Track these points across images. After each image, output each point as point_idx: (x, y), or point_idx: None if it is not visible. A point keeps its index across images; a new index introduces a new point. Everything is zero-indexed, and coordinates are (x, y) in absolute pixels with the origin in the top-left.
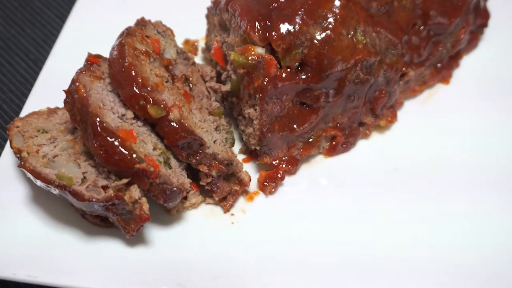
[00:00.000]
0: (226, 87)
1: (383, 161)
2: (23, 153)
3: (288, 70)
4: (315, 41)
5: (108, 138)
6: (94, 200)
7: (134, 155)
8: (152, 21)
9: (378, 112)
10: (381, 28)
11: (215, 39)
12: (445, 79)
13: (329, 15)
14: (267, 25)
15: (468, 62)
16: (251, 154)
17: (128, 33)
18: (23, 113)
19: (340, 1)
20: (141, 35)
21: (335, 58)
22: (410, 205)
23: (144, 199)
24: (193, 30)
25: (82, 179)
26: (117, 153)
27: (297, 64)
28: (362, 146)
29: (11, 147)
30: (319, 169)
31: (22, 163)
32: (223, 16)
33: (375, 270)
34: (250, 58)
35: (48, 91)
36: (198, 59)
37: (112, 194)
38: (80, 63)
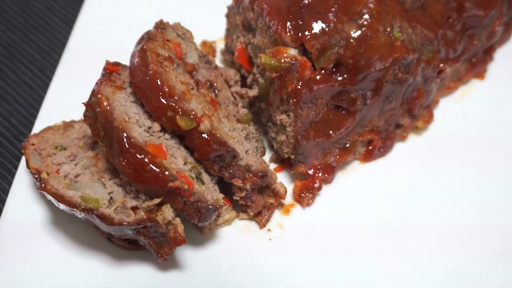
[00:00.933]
0: (254, 92)
1: (423, 164)
2: (42, 173)
3: (323, 72)
4: (351, 39)
5: (137, 155)
6: (125, 223)
7: (166, 172)
8: (170, 23)
9: (416, 112)
10: (417, 23)
11: (238, 40)
12: (480, 74)
13: (364, 11)
14: (298, 24)
15: (501, 55)
16: (283, 162)
17: (149, 37)
18: (36, 128)
19: None
20: (162, 39)
21: (372, 57)
22: (458, 208)
23: (178, 220)
24: (209, 31)
25: (108, 200)
26: (148, 171)
27: (332, 65)
28: (399, 149)
29: (29, 167)
30: (356, 176)
31: (43, 185)
32: (248, 15)
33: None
34: (282, 60)
35: (61, 103)
36: (217, 62)
37: (144, 216)
38: (93, 70)
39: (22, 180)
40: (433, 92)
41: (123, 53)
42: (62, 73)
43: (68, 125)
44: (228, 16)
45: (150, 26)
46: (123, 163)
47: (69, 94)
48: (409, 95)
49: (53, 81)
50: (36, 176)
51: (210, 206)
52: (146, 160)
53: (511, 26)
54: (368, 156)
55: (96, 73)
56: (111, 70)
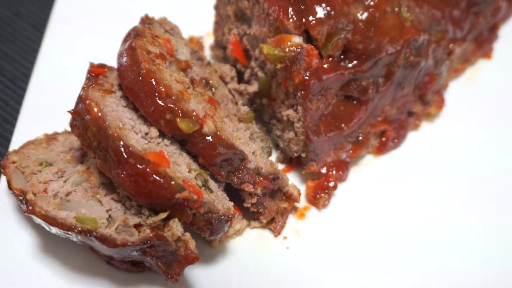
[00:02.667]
0: (253, 88)
1: (439, 153)
2: (28, 194)
3: (330, 59)
4: (359, 23)
5: (138, 166)
6: (129, 244)
7: (172, 182)
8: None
9: (428, 98)
10: (424, 2)
11: (231, 33)
12: (487, 54)
13: None
14: (301, 9)
15: (505, 32)
16: (291, 162)
17: (136, 34)
18: (14, 144)
19: None
20: (151, 35)
21: (382, 40)
22: (480, 202)
23: (188, 235)
24: (194, 26)
25: (107, 218)
26: (151, 183)
27: (339, 52)
28: (412, 139)
29: (11, 188)
30: (370, 171)
31: (30, 207)
32: (241, 4)
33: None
34: (287, 49)
35: (39, 114)
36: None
37: (150, 234)
38: (72, 76)
39: (3, 203)
40: (444, 75)
41: (104, 54)
42: (37, 81)
43: (51, 138)
44: (217, 7)
45: (129, 24)
46: (122, 175)
47: (47, 104)
48: (421, 79)
49: (28, 91)
50: (21, 197)
51: (222, 217)
52: (148, 170)
53: None
54: (382, 149)
55: (76, 79)
56: (96, 72)
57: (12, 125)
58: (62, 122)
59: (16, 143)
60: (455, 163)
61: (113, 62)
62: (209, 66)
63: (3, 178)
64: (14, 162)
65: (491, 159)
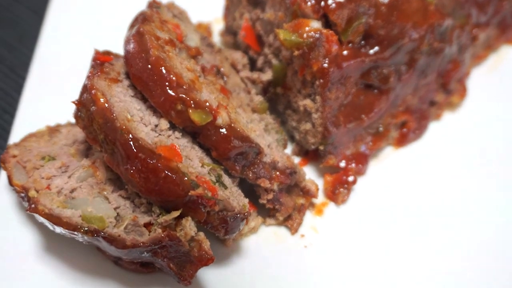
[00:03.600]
0: (267, 76)
1: (462, 144)
2: (30, 191)
3: (350, 45)
4: (381, 6)
5: (148, 160)
6: (140, 245)
7: (185, 178)
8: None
9: (451, 86)
10: None
11: (242, 18)
12: (510, 39)
13: None
14: None
15: None
16: (307, 155)
17: (144, 18)
18: (14, 137)
19: None
20: (159, 20)
21: (405, 25)
22: (506, 193)
23: (202, 235)
24: (202, 11)
25: (115, 217)
26: (163, 179)
27: (360, 37)
28: (434, 129)
29: (12, 184)
30: (391, 164)
31: (33, 206)
32: None
33: None
34: (305, 35)
35: (40, 105)
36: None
37: (161, 234)
38: (75, 64)
39: (3, 200)
40: (467, 62)
41: (109, 40)
42: (37, 69)
43: (53, 130)
44: None
45: (135, 7)
46: (131, 171)
47: (48, 93)
48: (444, 67)
49: (28, 79)
50: (23, 194)
51: (238, 215)
52: (160, 165)
53: None
54: (403, 140)
55: (79, 67)
56: (102, 60)
57: (12, 115)
58: (65, 113)
59: (16, 135)
60: (479, 154)
61: (119, 49)
62: (220, 53)
63: (3, 173)
64: (14, 156)
65: None
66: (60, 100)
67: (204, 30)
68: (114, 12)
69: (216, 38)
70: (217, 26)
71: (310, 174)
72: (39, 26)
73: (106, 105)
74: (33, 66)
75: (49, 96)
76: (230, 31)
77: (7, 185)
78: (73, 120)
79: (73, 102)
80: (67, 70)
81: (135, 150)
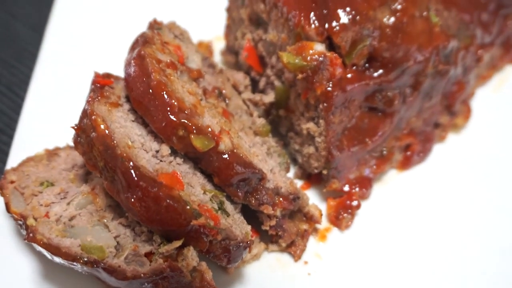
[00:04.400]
0: (270, 98)
1: (467, 166)
2: (28, 219)
3: (354, 68)
4: (386, 28)
5: (150, 189)
6: (141, 276)
7: (187, 207)
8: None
9: (456, 108)
10: (452, 5)
11: (244, 38)
12: None
13: None
14: (323, 14)
15: None
16: (309, 178)
17: (145, 41)
18: (11, 160)
19: None
20: (160, 42)
21: (410, 47)
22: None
23: (204, 265)
24: (202, 29)
25: (115, 246)
26: (165, 208)
27: (364, 60)
28: (438, 152)
29: (10, 212)
30: (395, 187)
31: (31, 235)
32: (257, 7)
33: None
34: (309, 58)
35: (38, 127)
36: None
37: (163, 265)
38: (74, 84)
39: (0, 227)
40: (472, 83)
41: (108, 60)
42: (36, 89)
43: (52, 154)
44: (229, 10)
45: (134, 27)
46: (132, 200)
47: (47, 115)
48: (449, 89)
49: (27, 99)
50: (21, 222)
51: (241, 244)
52: (161, 194)
53: None
54: (407, 163)
55: (78, 87)
56: (102, 83)
57: (10, 136)
58: (63, 135)
59: (14, 159)
60: (484, 176)
61: (118, 69)
62: (221, 74)
63: (0, 199)
64: (12, 182)
65: None
66: (58, 122)
67: (205, 48)
68: (114, 31)
69: (217, 57)
70: (218, 44)
71: (312, 197)
72: (37, 44)
73: (107, 131)
74: (31, 86)
75: (47, 117)
76: (231, 50)
77: (5, 211)
78: (71, 143)
79: (73, 128)
80: (66, 91)
81: (136, 178)
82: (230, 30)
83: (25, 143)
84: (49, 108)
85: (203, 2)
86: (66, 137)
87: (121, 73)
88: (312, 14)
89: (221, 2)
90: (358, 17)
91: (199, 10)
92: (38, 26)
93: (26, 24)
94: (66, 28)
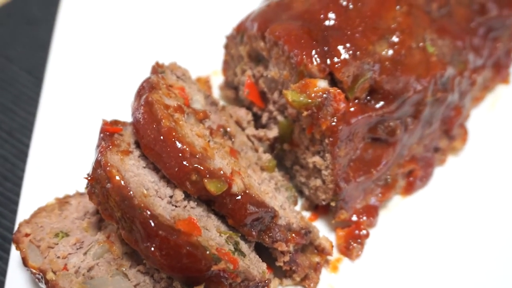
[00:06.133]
0: (273, 133)
1: (468, 187)
2: (48, 274)
3: (357, 101)
4: (386, 62)
5: (169, 237)
6: None
7: (207, 252)
8: (160, 62)
9: (454, 132)
10: (446, 33)
11: (244, 74)
12: (505, 79)
13: (393, 26)
14: (324, 51)
15: None
16: (316, 209)
17: (151, 86)
18: (22, 211)
19: (402, 7)
20: (165, 86)
21: (410, 78)
22: None
23: None
24: (198, 64)
25: None
26: (185, 255)
27: (365, 93)
28: (439, 175)
29: (28, 266)
30: (400, 213)
31: None
32: (256, 45)
33: None
34: (313, 95)
35: (46, 173)
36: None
37: None
38: (78, 128)
39: (16, 279)
40: (467, 106)
41: (109, 103)
42: (40, 136)
43: (63, 203)
44: (227, 47)
45: (133, 68)
46: (152, 249)
47: (54, 160)
48: (447, 114)
49: (31, 148)
50: (39, 276)
51: (259, 283)
52: (181, 241)
53: None
54: (410, 189)
55: (82, 133)
56: (111, 131)
57: (13, 182)
58: (71, 181)
59: (24, 209)
60: (485, 195)
61: (120, 111)
62: (224, 111)
63: (14, 251)
64: (27, 235)
65: None
66: (65, 168)
67: (203, 84)
68: (112, 72)
69: (216, 91)
70: (216, 79)
71: (321, 228)
72: (34, 87)
73: (123, 182)
74: (34, 133)
75: (53, 163)
76: (230, 85)
77: (20, 264)
78: (80, 190)
79: (86, 178)
80: (70, 136)
81: (155, 228)
82: (229, 66)
83: (34, 192)
84: (54, 154)
85: (199, 38)
86: (74, 184)
87: (124, 116)
88: (313, 51)
89: (217, 36)
90: (358, 52)
91: (195, 46)
92: (35, 69)
93: (22, 68)
94: (65, 71)
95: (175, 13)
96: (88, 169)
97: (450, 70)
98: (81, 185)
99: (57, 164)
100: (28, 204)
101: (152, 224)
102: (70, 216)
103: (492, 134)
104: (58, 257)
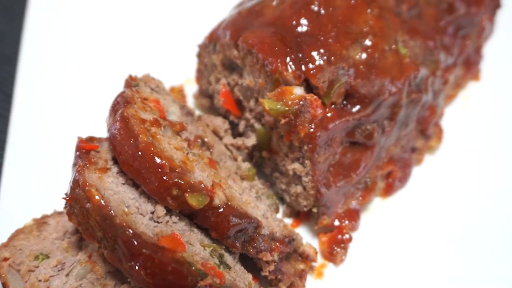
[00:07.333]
0: (251, 141)
1: (446, 185)
2: None
3: (333, 107)
4: (360, 65)
5: (153, 255)
6: None
7: (193, 268)
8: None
9: (430, 131)
10: (416, 34)
11: (219, 83)
12: (475, 76)
13: (365, 30)
14: (298, 57)
15: (488, 51)
16: (298, 216)
17: (126, 101)
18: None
19: (373, 10)
20: (140, 100)
21: (384, 81)
22: (492, 228)
23: None
24: (170, 73)
25: None
26: (170, 273)
27: (341, 98)
28: (417, 175)
29: None
30: (381, 215)
31: None
32: (229, 53)
33: None
34: (290, 103)
35: (20, 192)
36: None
37: None
38: (50, 145)
39: None
40: (441, 105)
41: (84, 117)
42: (13, 154)
43: (41, 223)
44: (200, 56)
45: (105, 75)
46: (136, 268)
47: (28, 179)
48: (422, 114)
49: (5, 165)
50: None
51: None
52: (165, 259)
53: (492, 19)
54: (389, 190)
55: (55, 150)
56: (87, 149)
57: None
58: (47, 200)
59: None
60: (463, 192)
61: (96, 126)
62: (200, 121)
63: None
64: (6, 259)
65: (499, 183)
66: (40, 187)
67: (177, 93)
68: (87, 87)
69: (190, 100)
70: (190, 87)
71: (304, 234)
72: (4, 104)
73: (102, 201)
74: (7, 153)
75: (28, 183)
76: (205, 94)
77: None
78: (58, 209)
79: (64, 198)
80: (43, 154)
81: (138, 246)
82: (202, 74)
83: (10, 214)
84: (29, 174)
85: (170, 47)
86: (52, 203)
87: (99, 131)
88: (288, 58)
89: (188, 44)
90: (332, 57)
91: (167, 55)
92: (3, 85)
93: None
94: (35, 87)
95: (145, 23)
96: (65, 187)
97: (423, 71)
98: (59, 204)
99: (32, 184)
100: (4, 226)
101: (135, 242)
102: (49, 236)
103: (466, 130)
104: (40, 281)
